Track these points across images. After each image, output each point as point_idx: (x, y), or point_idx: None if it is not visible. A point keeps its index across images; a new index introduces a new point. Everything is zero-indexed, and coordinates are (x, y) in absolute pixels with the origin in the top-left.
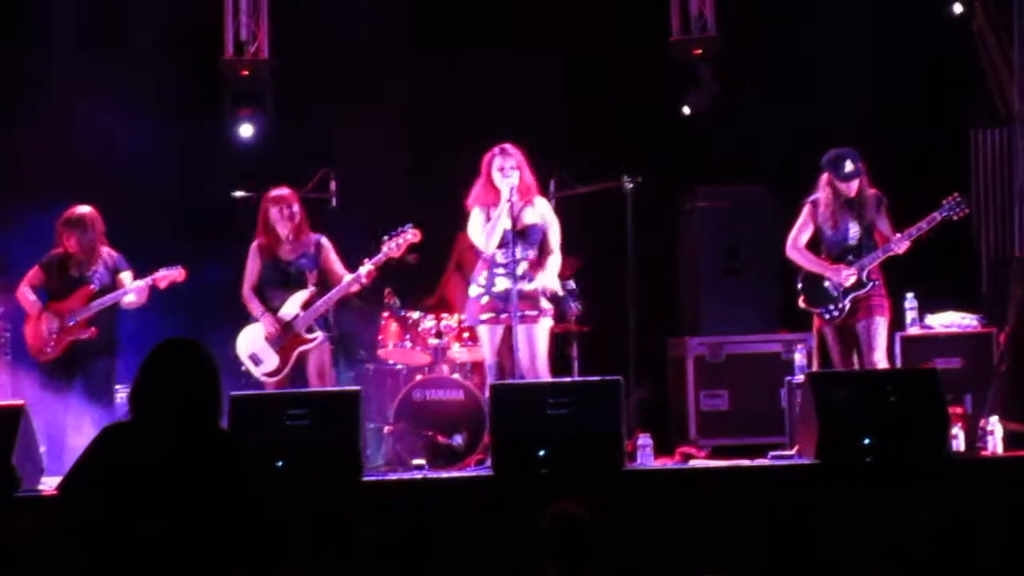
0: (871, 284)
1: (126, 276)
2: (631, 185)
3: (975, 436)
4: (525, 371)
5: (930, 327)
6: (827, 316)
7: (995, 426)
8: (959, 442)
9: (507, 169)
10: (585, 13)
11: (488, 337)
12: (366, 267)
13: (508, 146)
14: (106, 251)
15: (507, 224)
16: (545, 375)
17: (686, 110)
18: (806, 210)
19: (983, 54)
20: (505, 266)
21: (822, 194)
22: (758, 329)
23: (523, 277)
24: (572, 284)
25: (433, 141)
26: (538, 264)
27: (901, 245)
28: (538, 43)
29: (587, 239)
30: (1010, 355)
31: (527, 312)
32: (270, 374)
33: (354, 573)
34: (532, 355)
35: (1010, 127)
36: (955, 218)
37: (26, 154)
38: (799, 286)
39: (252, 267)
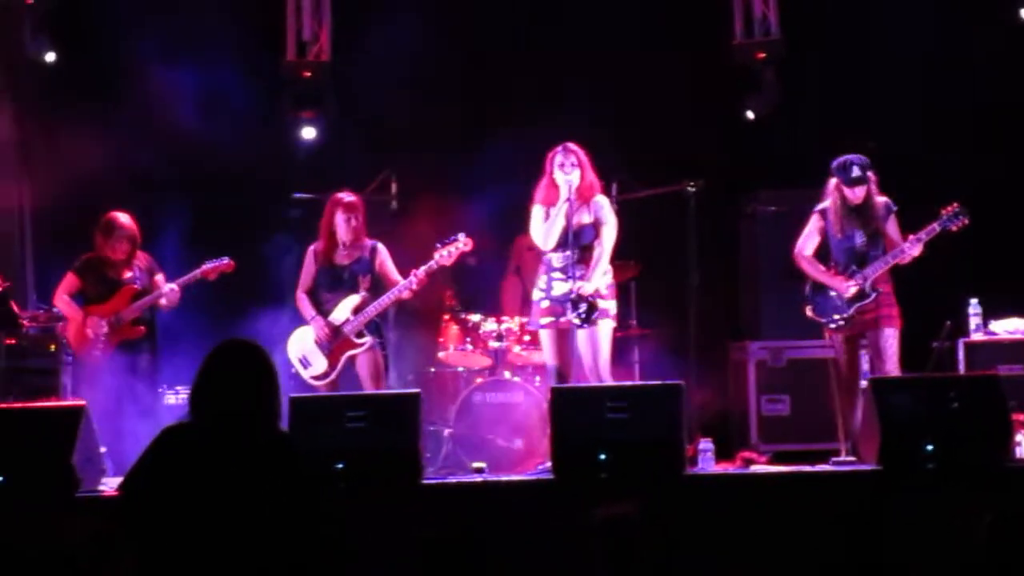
0: (876, 294)
1: (160, 278)
2: (693, 189)
3: None
4: (587, 373)
5: (994, 333)
6: (833, 326)
7: None
8: (1023, 449)
9: (568, 166)
10: (649, 15)
11: (549, 341)
12: (416, 275)
13: (570, 144)
14: (139, 254)
15: (562, 223)
16: (607, 377)
17: (749, 114)
18: (814, 218)
19: None
20: (563, 269)
21: (829, 201)
22: (819, 334)
23: (582, 279)
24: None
25: (493, 142)
26: (599, 266)
27: (904, 254)
28: (602, 44)
29: (648, 243)
30: None
31: (585, 314)
32: (318, 377)
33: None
34: (594, 357)
35: None
36: (954, 229)
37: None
38: (806, 294)
39: (308, 270)
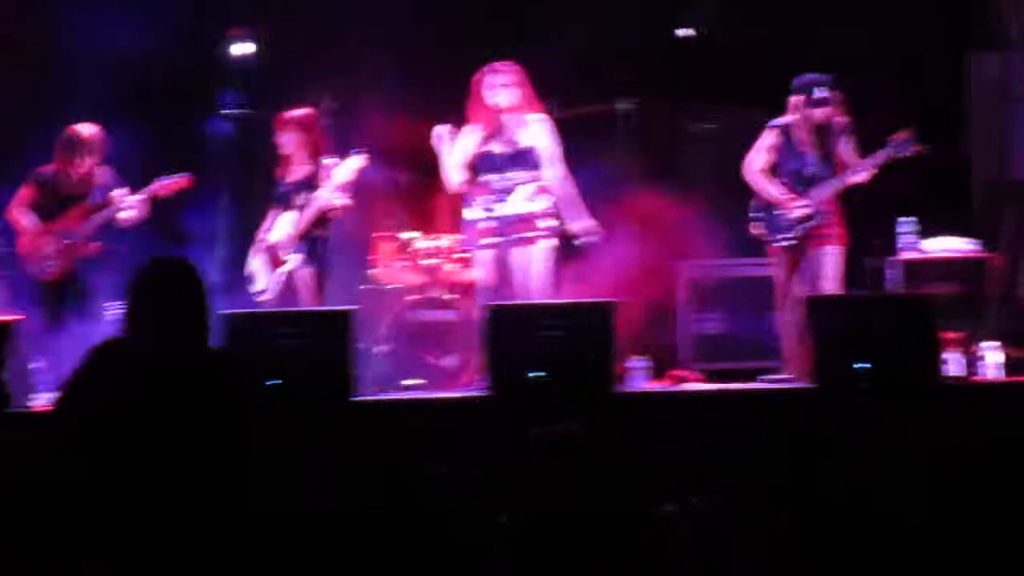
0: (823, 215)
1: (120, 192)
2: (629, 107)
3: (971, 361)
4: (520, 294)
5: (926, 253)
6: (778, 245)
7: (989, 351)
8: (953, 367)
9: (497, 87)
10: None
11: (488, 261)
12: (329, 186)
13: (500, 64)
14: (104, 169)
15: (466, 149)
16: (542, 298)
17: (683, 31)
18: (768, 133)
19: None
20: (501, 191)
21: (789, 119)
22: (754, 252)
23: (520, 199)
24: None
25: (429, 61)
26: (536, 186)
27: (853, 178)
28: None
29: (583, 162)
30: (1003, 280)
31: (524, 235)
32: (260, 294)
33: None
34: (527, 278)
35: (1007, 51)
36: (904, 156)
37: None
38: (752, 211)
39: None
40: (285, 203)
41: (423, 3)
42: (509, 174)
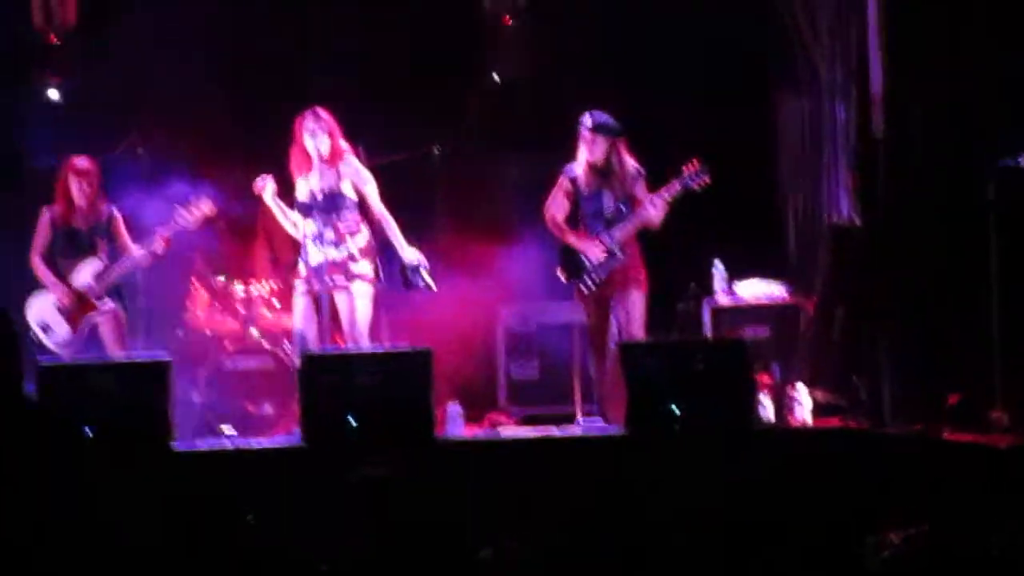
0: (624, 256)
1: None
2: (439, 152)
3: (783, 405)
4: (346, 337)
5: (739, 297)
6: (584, 288)
7: (803, 394)
8: (767, 411)
9: (317, 132)
10: None
11: (304, 307)
12: (157, 238)
13: (319, 108)
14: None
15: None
16: (365, 341)
17: (495, 76)
18: (561, 179)
19: (789, 22)
20: (316, 237)
21: (580, 159)
22: (568, 296)
23: (332, 245)
24: (420, 258)
25: (244, 107)
26: (354, 230)
27: (648, 212)
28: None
29: (398, 207)
30: (817, 323)
31: (338, 281)
32: (61, 343)
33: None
34: (352, 321)
35: (817, 95)
36: (695, 187)
37: None
38: (558, 257)
39: (42, 234)
40: (83, 250)
41: (238, 44)
42: (324, 218)
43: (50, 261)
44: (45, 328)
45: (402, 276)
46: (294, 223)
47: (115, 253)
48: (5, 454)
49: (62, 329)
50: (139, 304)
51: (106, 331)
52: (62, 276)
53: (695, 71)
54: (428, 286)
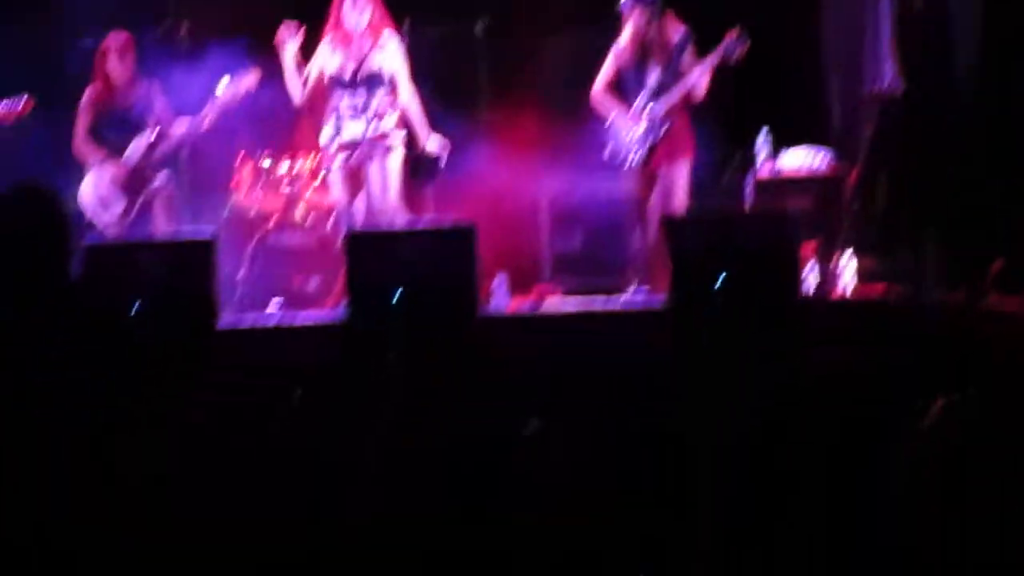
0: (667, 126)
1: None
2: (483, 25)
3: (827, 275)
4: (376, 207)
5: (781, 169)
6: (628, 162)
7: (847, 264)
8: (811, 282)
9: (355, 6)
10: None
11: (340, 182)
12: (204, 112)
13: None
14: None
15: (320, 66)
16: (397, 209)
17: None
18: (611, 53)
19: None
20: (353, 111)
21: (624, 34)
22: (615, 168)
23: (373, 118)
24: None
25: None
26: (391, 107)
27: (690, 81)
28: None
29: (442, 82)
30: (860, 193)
31: (375, 150)
32: (116, 218)
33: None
34: (383, 190)
35: None
36: (737, 55)
37: None
38: (605, 132)
39: (85, 114)
40: (131, 126)
41: None
42: (361, 93)
43: (97, 140)
44: (104, 203)
45: (414, 165)
46: (306, 87)
47: (162, 128)
48: (53, 333)
49: (117, 206)
50: (183, 181)
51: (159, 207)
52: (111, 153)
53: None
54: (439, 172)
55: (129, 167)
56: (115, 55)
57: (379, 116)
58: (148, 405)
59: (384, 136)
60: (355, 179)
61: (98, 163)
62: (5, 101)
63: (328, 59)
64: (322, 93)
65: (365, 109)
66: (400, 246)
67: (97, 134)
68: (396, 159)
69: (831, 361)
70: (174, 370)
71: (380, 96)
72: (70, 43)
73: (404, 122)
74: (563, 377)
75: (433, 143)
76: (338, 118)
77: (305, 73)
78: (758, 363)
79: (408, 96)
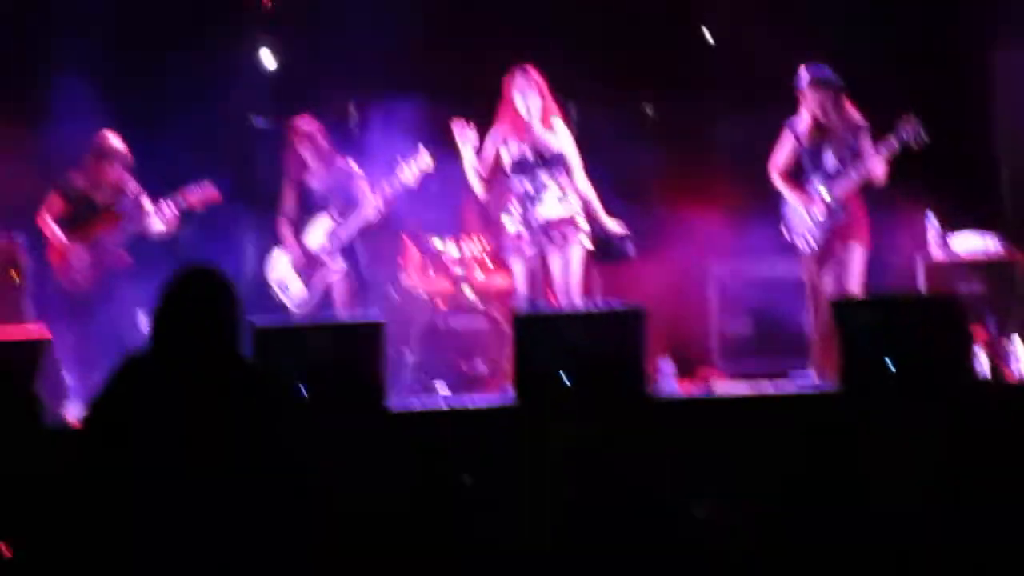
0: (846, 211)
1: (147, 203)
2: (650, 109)
3: (998, 359)
4: (560, 296)
5: (953, 252)
6: (804, 244)
7: (1019, 348)
8: (983, 365)
9: (527, 90)
10: None
11: (521, 268)
12: (381, 193)
13: (527, 66)
14: (129, 180)
15: (494, 151)
16: (577, 300)
17: (707, 34)
18: (784, 133)
19: None
20: (533, 195)
21: (801, 115)
22: (784, 252)
23: (555, 202)
24: (616, 226)
25: (452, 69)
26: (569, 189)
27: (871, 166)
28: None
29: (609, 163)
30: None
31: (559, 237)
32: (295, 303)
33: (378, 500)
34: (565, 280)
35: None
36: (911, 141)
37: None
38: (782, 213)
39: (287, 194)
40: (317, 210)
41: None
42: (541, 178)
43: (291, 221)
44: (282, 287)
45: (604, 247)
46: (482, 178)
47: (346, 211)
48: (223, 410)
49: (296, 288)
50: (360, 263)
51: (339, 291)
52: (298, 235)
53: (911, 25)
54: (628, 255)
55: (307, 254)
56: (305, 139)
57: (560, 200)
58: (319, 485)
59: (567, 220)
60: (535, 263)
61: (286, 244)
62: (194, 186)
63: (503, 146)
64: (496, 179)
65: (546, 192)
66: (569, 328)
67: (291, 215)
68: (579, 244)
69: (1008, 442)
70: (343, 451)
71: (559, 179)
72: (245, 122)
73: (583, 205)
74: (735, 459)
75: (613, 225)
76: (519, 203)
77: (478, 164)
78: (933, 445)
79: (583, 179)
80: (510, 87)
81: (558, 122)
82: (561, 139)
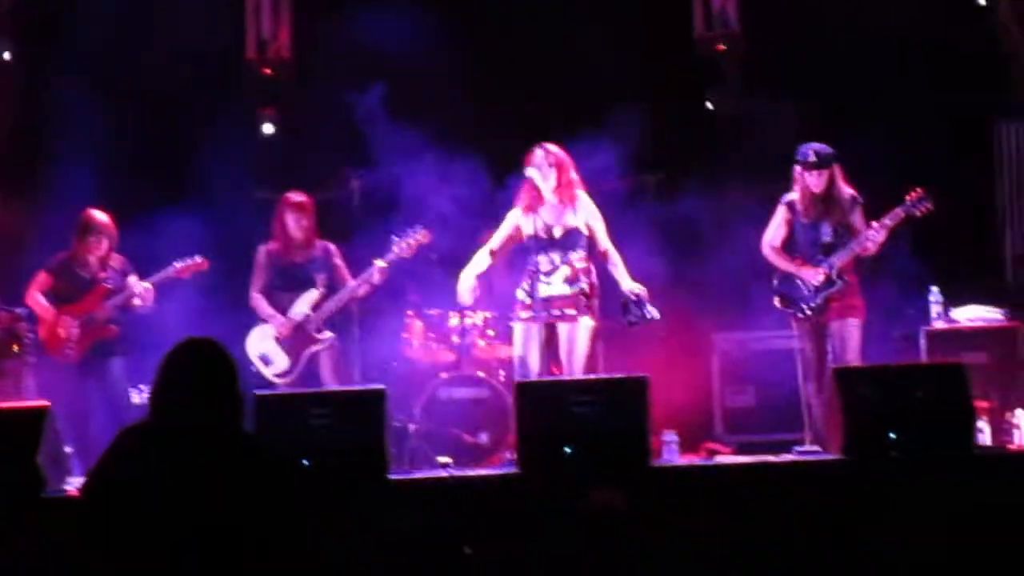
0: (842, 283)
1: (134, 278)
2: (653, 180)
3: (1001, 430)
4: (565, 369)
5: (955, 321)
6: (800, 315)
7: (1021, 420)
8: (985, 436)
9: (545, 167)
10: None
11: (525, 337)
12: (374, 269)
13: (548, 144)
14: (115, 255)
15: (480, 268)
16: (583, 369)
17: (710, 106)
18: (780, 208)
19: (1008, 45)
20: (547, 273)
21: (795, 191)
22: (783, 324)
23: (566, 282)
24: (640, 289)
25: (461, 142)
26: (585, 267)
27: (869, 241)
28: (561, 43)
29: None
30: None
31: (567, 312)
32: (280, 375)
33: (379, 570)
34: (571, 356)
35: None
36: (918, 215)
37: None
38: (775, 284)
39: (260, 269)
40: (301, 283)
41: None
42: (553, 257)
43: (268, 295)
44: (265, 360)
45: (625, 310)
46: (492, 254)
47: (332, 285)
48: (223, 482)
49: (281, 361)
50: (354, 335)
51: (324, 363)
52: (280, 309)
53: (912, 98)
54: (653, 317)
55: (292, 325)
56: (293, 213)
57: (576, 277)
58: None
59: (570, 299)
60: (541, 334)
61: (268, 317)
62: (183, 260)
63: (524, 221)
64: (511, 251)
65: (555, 274)
66: (572, 397)
67: (268, 289)
68: (588, 322)
69: (1013, 514)
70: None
71: (575, 255)
72: (244, 195)
73: (598, 289)
74: (739, 529)
75: (634, 287)
76: (532, 275)
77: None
78: (936, 515)
79: (609, 244)
80: (528, 164)
81: (581, 195)
82: (580, 213)
